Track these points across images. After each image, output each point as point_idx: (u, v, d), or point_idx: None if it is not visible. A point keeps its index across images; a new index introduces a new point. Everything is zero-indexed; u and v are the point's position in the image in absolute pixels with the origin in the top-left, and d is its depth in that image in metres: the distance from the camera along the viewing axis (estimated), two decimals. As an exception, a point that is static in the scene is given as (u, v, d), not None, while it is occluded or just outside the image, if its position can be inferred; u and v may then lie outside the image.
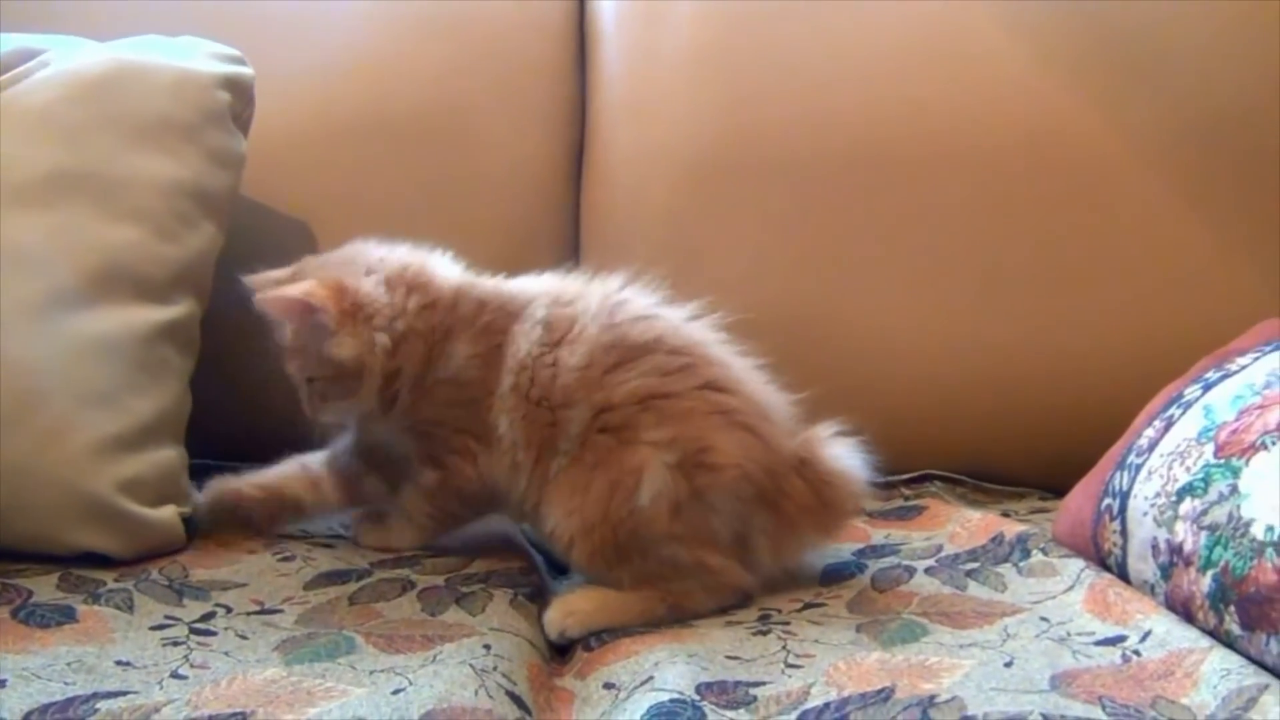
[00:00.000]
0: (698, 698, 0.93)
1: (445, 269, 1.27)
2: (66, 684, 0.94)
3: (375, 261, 1.24)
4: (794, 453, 1.18)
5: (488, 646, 1.01)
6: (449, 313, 1.22)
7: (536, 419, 1.17)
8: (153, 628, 1.06)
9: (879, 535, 1.34)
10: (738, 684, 0.96)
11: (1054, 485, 1.42)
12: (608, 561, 1.13)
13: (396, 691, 0.92)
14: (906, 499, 1.47)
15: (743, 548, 1.15)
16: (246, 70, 1.43)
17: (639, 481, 1.11)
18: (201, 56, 1.41)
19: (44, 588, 1.13)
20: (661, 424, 1.13)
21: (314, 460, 1.30)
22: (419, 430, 1.23)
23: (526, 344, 1.19)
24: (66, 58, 1.36)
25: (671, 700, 0.92)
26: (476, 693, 0.92)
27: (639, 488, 1.11)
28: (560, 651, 1.11)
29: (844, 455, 1.19)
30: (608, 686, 0.98)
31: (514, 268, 1.27)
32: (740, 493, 1.14)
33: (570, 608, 1.12)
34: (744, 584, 1.15)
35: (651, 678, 0.96)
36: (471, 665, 0.96)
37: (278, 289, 1.19)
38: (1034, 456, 1.50)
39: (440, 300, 1.22)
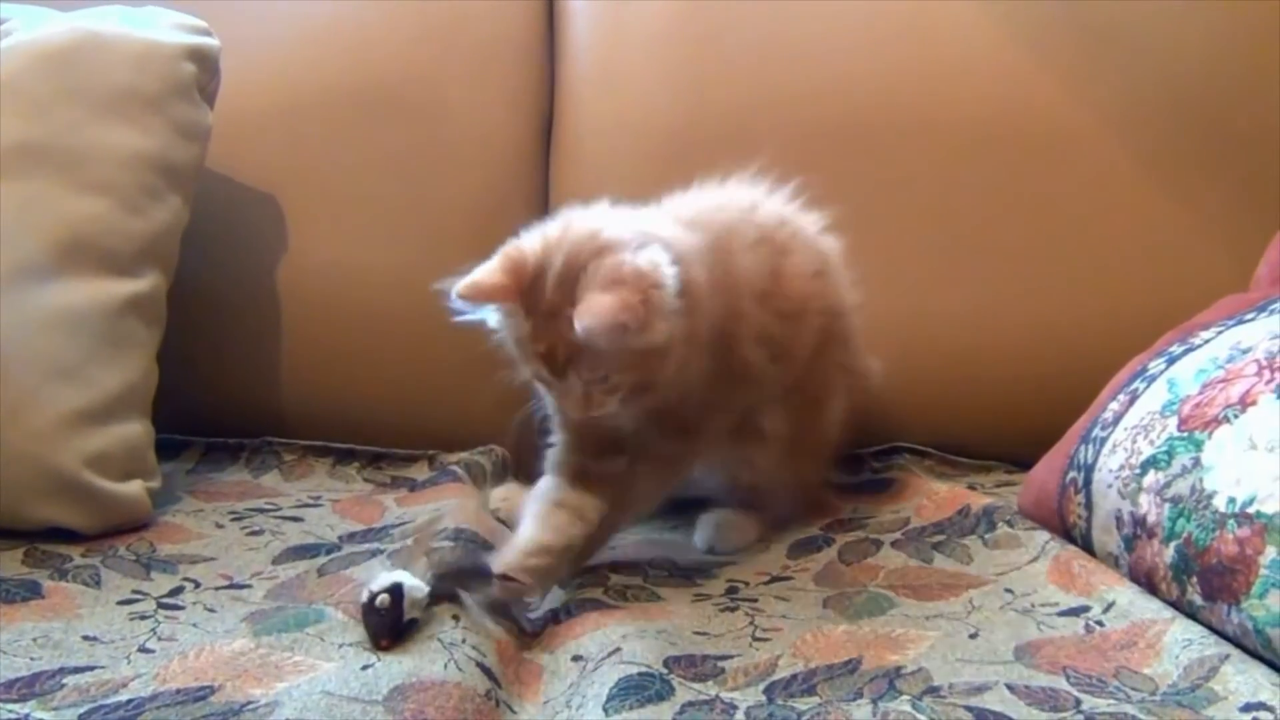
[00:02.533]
0: (666, 671, 0.93)
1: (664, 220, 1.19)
2: (33, 659, 0.94)
3: (633, 231, 1.11)
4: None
5: (455, 618, 1.01)
6: (712, 264, 1.15)
7: (787, 334, 1.23)
8: (120, 602, 1.05)
9: (847, 509, 1.34)
10: (706, 657, 0.97)
11: (1020, 458, 1.42)
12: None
13: (365, 667, 0.92)
14: (875, 472, 1.47)
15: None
16: (212, 41, 1.42)
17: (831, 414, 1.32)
18: (166, 27, 1.40)
19: (9, 563, 1.12)
20: (841, 343, 1.32)
21: (554, 491, 1.17)
22: (672, 401, 1.15)
23: (753, 271, 1.20)
24: (29, 28, 1.34)
25: (640, 674, 0.92)
26: (446, 666, 0.92)
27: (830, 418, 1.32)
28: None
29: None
30: (576, 659, 0.98)
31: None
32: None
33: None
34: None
35: (619, 649, 0.96)
36: (440, 639, 0.96)
37: (593, 313, 1.03)
38: (1000, 430, 1.51)
39: (700, 254, 1.14)
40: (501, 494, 1.38)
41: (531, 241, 1.10)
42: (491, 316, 1.12)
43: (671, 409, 1.15)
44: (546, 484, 1.18)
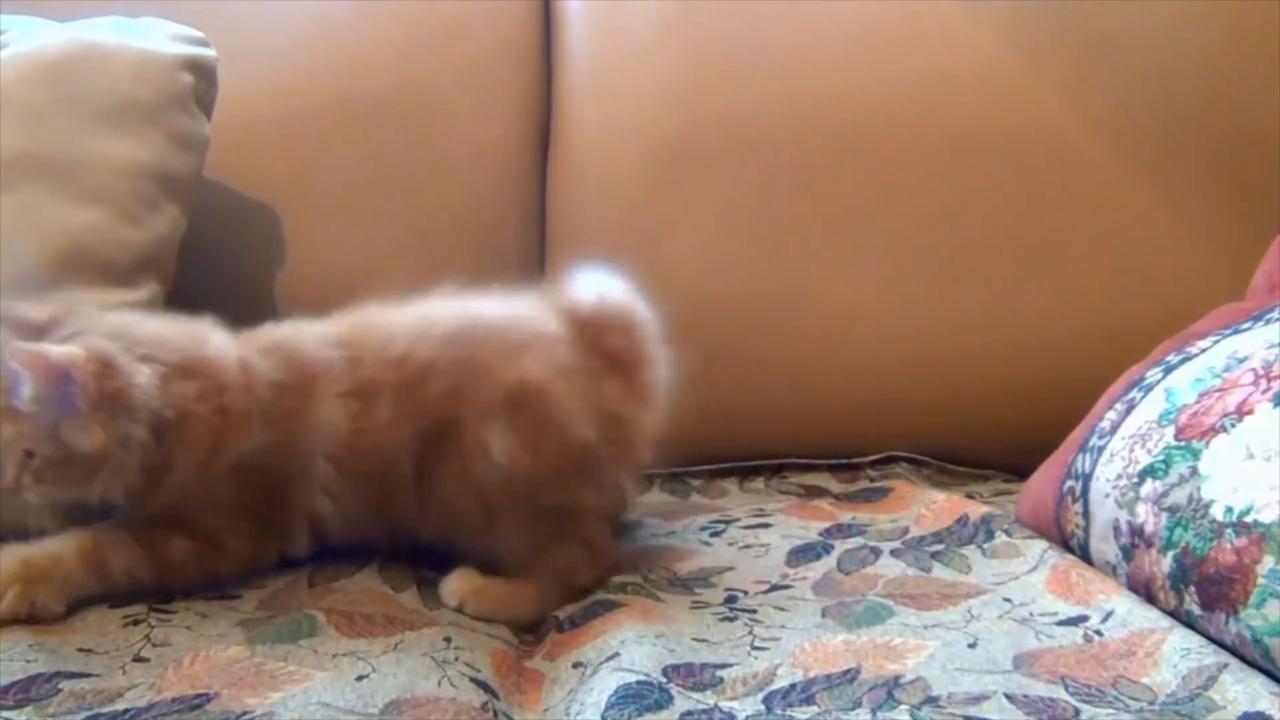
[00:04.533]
0: (664, 680, 0.93)
1: (222, 345, 1.11)
2: (29, 662, 0.93)
3: (151, 343, 1.05)
4: (574, 321, 1.15)
5: (448, 639, 1.00)
6: (240, 395, 1.08)
7: (367, 489, 1.12)
8: (112, 606, 1.05)
9: (845, 517, 1.34)
10: (704, 666, 0.96)
11: (1017, 467, 1.43)
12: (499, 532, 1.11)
13: (360, 678, 0.92)
14: (872, 480, 1.47)
15: (619, 427, 1.13)
16: (209, 52, 1.42)
17: (486, 448, 1.08)
18: (164, 38, 1.40)
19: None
20: (472, 400, 1.09)
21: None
22: (179, 510, 1.08)
23: (329, 426, 1.10)
24: (26, 38, 1.34)
25: (638, 682, 0.92)
26: (440, 683, 0.92)
27: (490, 456, 1.08)
28: (529, 629, 1.12)
29: (608, 299, 1.16)
30: (576, 665, 0.98)
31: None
32: (570, 388, 1.11)
33: (477, 587, 1.10)
34: (611, 551, 1.17)
35: (618, 654, 0.96)
36: (433, 658, 0.96)
37: (37, 344, 0.99)
38: (997, 439, 1.51)
39: (222, 383, 1.07)
40: None
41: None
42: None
43: (181, 514, 1.07)
44: None
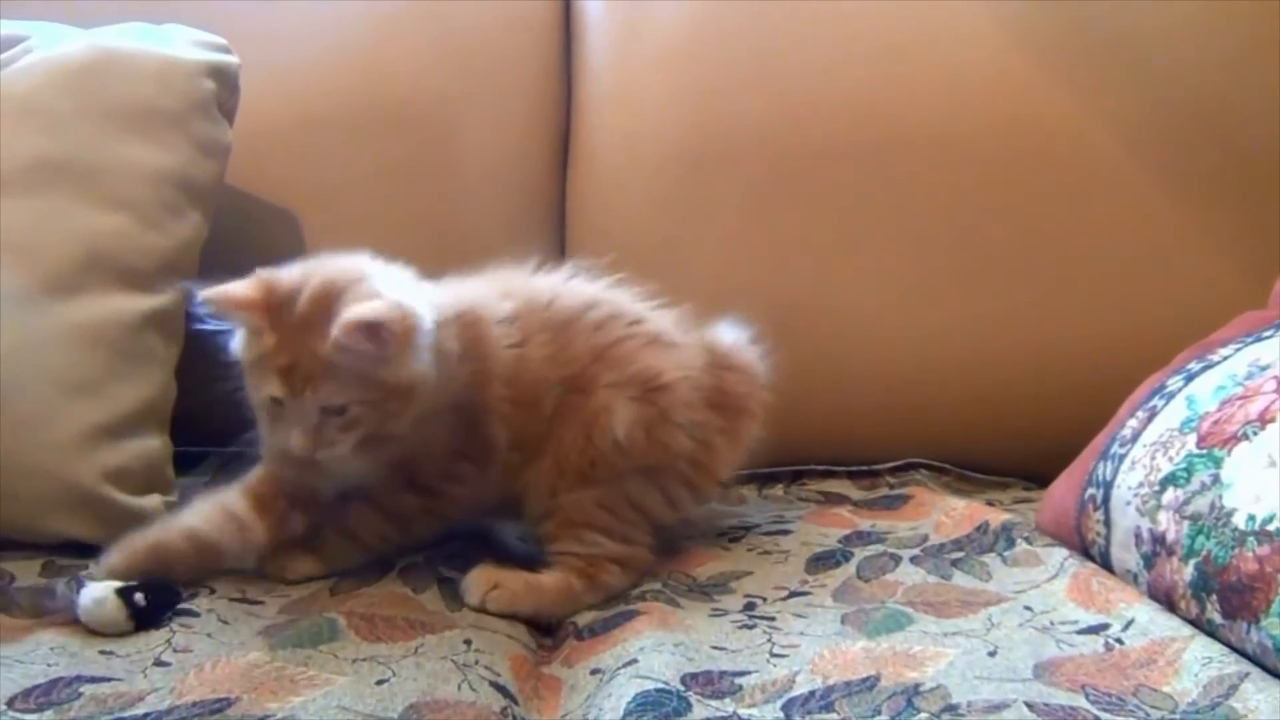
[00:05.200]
0: (683, 688, 0.93)
1: (430, 288, 1.18)
2: (50, 665, 0.94)
3: (396, 278, 1.13)
4: (710, 353, 1.26)
5: (468, 642, 1.01)
6: (461, 332, 1.15)
7: (525, 419, 1.17)
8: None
9: (865, 524, 1.34)
10: (723, 674, 0.96)
11: (1037, 475, 1.42)
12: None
13: (380, 682, 0.92)
14: (892, 487, 1.47)
15: (707, 452, 1.23)
16: (232, 59, 1.43)
17: (610, 420, 1.16)
18: (186, 44, 1.40)
19: (27, 575, 1.13)
20: (612, 368, 1.18)
21: (232, 500, 1.16)
22: (409, 458, 1.15)
23: (503, 352, 1.17)
24: (50, 45, 1.35)
25: (657, 689, 0.92)
26: (460, 686, 0.92)
27: (611, 424, 1.15)
28: (547, 632, 1.12)
29: (742, 348, 1.28)
30: (594, 672, 0.99)
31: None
32: (692, 400, 1.21)
33: (498, 579, 1.13)
34: (649, 562, 1.20)
35: (636, 660, 0.96)
36: (453, 661, 0.96)
37: (354, 311, 1.04)
38: (1017, 446, 1.51)
39: (455, 319, 1.14)
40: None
41: (289, 269, 1.11)
42: (234, 336, 1.11)
43: (410, 464, 1.15)
44: (225, 492, 1.17)
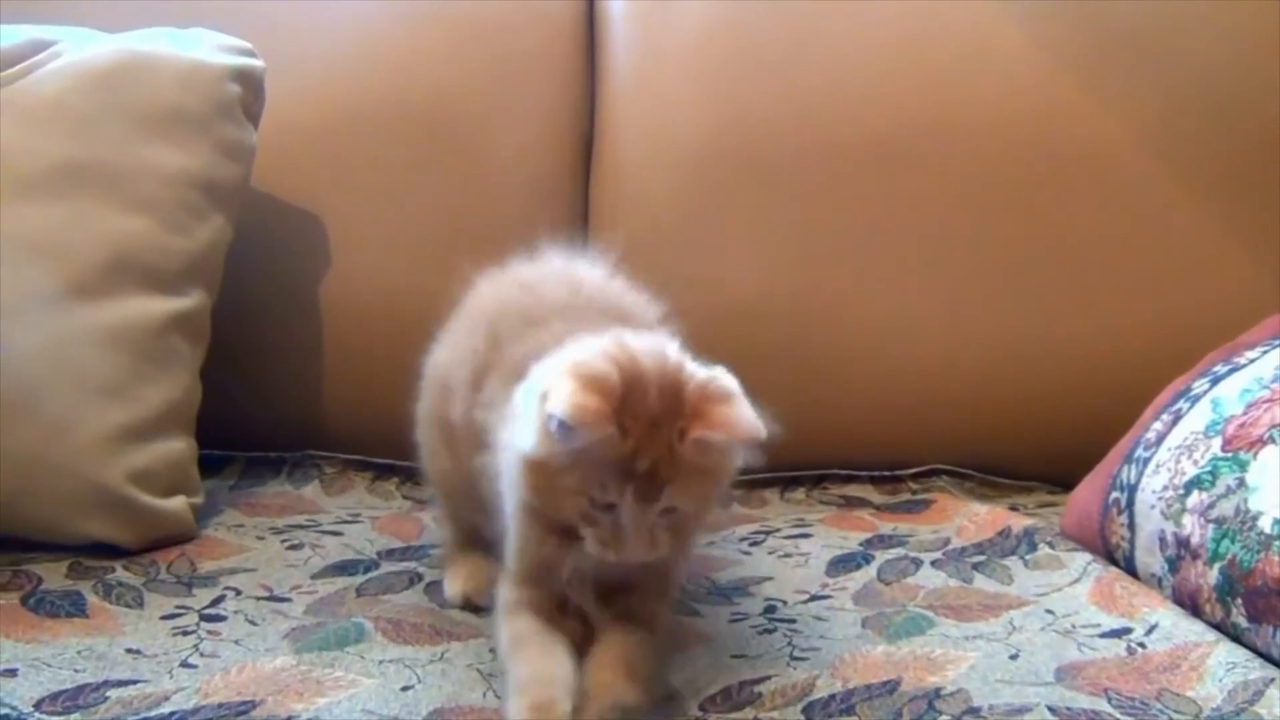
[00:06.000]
0: (702, 714, 0.92)
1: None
2: (77, 671, 0.95)
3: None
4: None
5: (494, 650, 1.01)
6: None
7: None
8: (163, 617, 1.06)
9: (886, 528, 1.34)
10: (743, 685, 0.96)
11: (1061, 479, 1.42)
12: None
13: (405, 688, 0.93)
14: (914, 493, 1.47)
15: None
16: (257, 63, 1.44)
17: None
18: (212, 48, 1.41)
19: (53, 576, 1.13)
20: None
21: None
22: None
23: None
24: (77, 49, 1.36)
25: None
26: (485, 695, 0.93)
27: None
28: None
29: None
30: None
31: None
32: None
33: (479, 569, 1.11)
34: None
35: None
36: (478, 670, 0.97)
37: (738, 412, 0.93)
38: (1041, 451, 1.50)
39: None
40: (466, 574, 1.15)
41: (588, 359, 0.94)
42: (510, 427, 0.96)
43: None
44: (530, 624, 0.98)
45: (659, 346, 0.96)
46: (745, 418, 0.93)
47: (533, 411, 0.91)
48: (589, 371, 0.91)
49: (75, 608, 1.07)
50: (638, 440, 0.91)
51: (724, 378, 0.95)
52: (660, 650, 0.98)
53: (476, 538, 1.14)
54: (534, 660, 0.93)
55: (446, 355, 1.14)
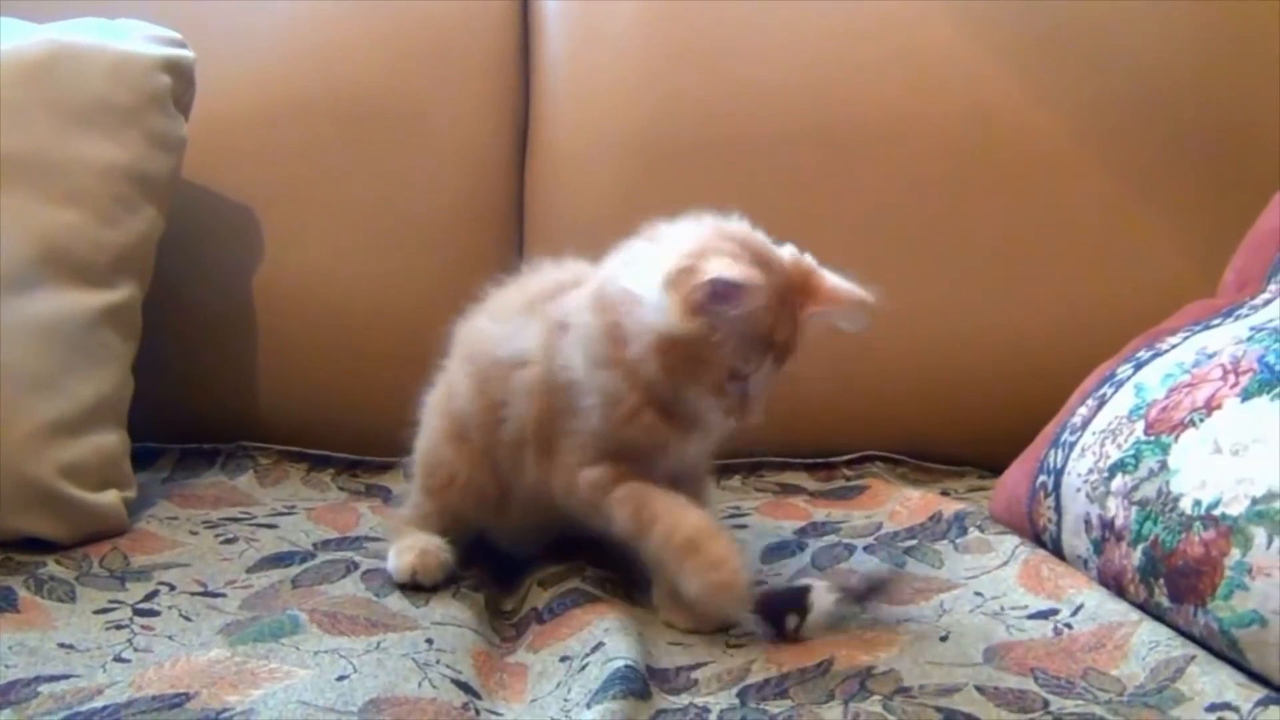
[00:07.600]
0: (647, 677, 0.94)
1: None
2: (8, 666, 0.94)
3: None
4: None
5: (430, 641, 1.01)
6: None
7: None
8: (96, 612, 1.05)
9: (820, 514, 1.35)
10: (679, 670, 0.97)
11: (992, 464, 1.43)
12: None
13: (341, 678, 0.92)
14: (848, 479, 1.48)
15: None
16: (187, 53, 1.42)
17: None
18: (141, 39, 1.40)
19: (-15, 572, 1.12)
20: None
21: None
22: None
23: None
24: (3, 39, 1.34)
25: (625, 666, 0.93)
26: (420, 684, 0.93)
27: None
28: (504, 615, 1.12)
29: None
30: (563, 659, 0.99)
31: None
32: None
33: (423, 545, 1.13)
34: None
35: (602, 644, 0.97)
36: (414, 659, 0.97)
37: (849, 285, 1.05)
38: (973, 435, 1.52)
39: None
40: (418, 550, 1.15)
41: (716, 241, 1.03)
42: (650, 311, 1.01)
43: None
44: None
45: (746, 228, 1.06)
46: (850, 286, 1.04)
47: (661, 292, 0.98)
48: (732, 249, 1.01)
49: (6, 602, 1.06)
50: (775, 313, 1.00)
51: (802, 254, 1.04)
52: None
53: (450, 526, 1.16)
54: (691, 513, 1.03)
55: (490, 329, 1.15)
